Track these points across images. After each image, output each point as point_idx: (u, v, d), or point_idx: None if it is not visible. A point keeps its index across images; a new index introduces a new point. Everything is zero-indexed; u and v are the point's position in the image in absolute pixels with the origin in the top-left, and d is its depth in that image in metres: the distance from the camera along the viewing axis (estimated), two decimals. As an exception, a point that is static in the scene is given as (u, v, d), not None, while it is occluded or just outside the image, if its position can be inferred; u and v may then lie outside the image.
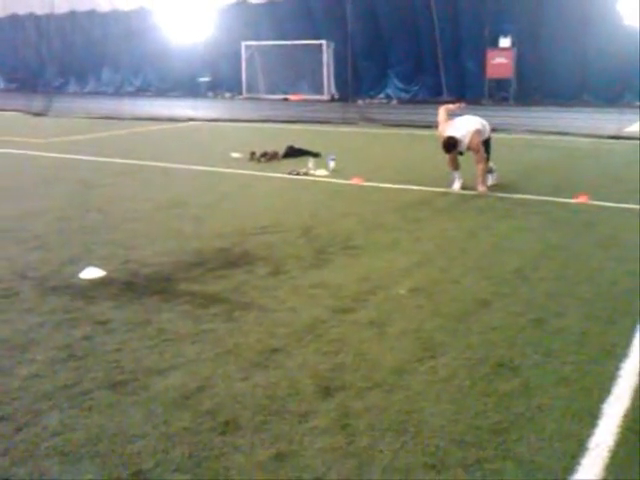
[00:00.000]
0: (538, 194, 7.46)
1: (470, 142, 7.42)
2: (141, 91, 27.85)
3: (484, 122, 7.81)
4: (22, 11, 29.53)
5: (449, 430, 2.75)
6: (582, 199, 7.02)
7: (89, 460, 2.54)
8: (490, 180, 7.91)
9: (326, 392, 3.05)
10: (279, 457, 2.56)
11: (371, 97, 22.70)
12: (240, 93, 25.22)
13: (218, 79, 26.03)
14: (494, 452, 2.60)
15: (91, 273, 4.68)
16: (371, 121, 15.71)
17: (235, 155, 10.30)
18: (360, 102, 21.34)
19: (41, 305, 4.15)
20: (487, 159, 7.68)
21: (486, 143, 7.69)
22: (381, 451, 2.60)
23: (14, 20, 30.12)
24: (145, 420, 2.83)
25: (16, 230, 6.03)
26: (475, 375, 3.22)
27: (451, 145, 7.39)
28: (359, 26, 21.79)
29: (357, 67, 22.21)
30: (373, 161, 10.17)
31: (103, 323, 3.85)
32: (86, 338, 3.65)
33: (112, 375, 3.22)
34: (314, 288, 4.49)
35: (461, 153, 7.70)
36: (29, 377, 3.19)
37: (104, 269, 4.78)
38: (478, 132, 7.49)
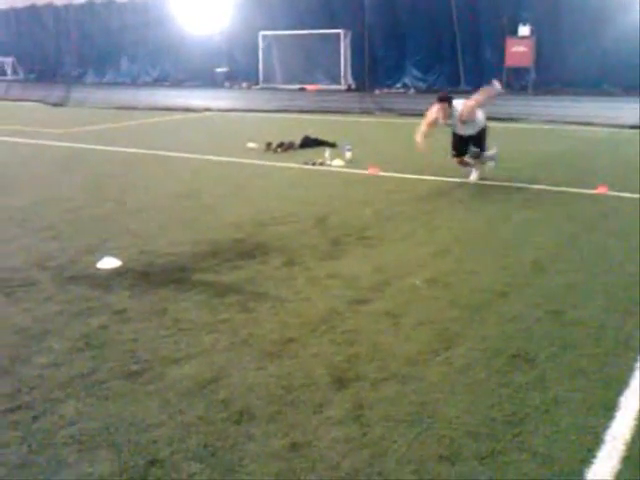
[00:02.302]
0: (557, 185, 7.38)
1: (462, 109, 7.26)
2: (158, 81, 27.96)
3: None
4: (41, 2, 29.70)
5: (464, 421, 2.73)
6: (602, 190, 6.93)
7: (105, 449, 2.56)
8: (492, 165, 7.77)
9: (341, 383, 3.05)
10: (293, 447, 2.56)
11: (388, 87, 22.58)
12: (257, 83, 25.21)
13: (235, 69, 26.05)
14: (509, 444, 2.58)
15: (108, 263, 4.71)
16: (388, 111, 15.61)
17: (251, 145, 10.30)
18: (377, 92, 21.24)
19: (58, 294, 4.18)
20: (482, 150, 7.52)
21: (482, 134, 7.51)
22: (395, 442, 2.59)
23: (33, 11, 30.33)
24: (161, 409, 2.84)
25: (33, 220, 6.09)
26: (491, 366, 3.20)
27: (446, 98, 7.30)
28: (377, 15, 21.67)
29: (374, 56, 22.11)
30: (390, 151, 10.12)
31: (119, 312, 3.88)
32: (103, 327, 3.68)
33: (128, 364, 3.24)
34: (329, 279, 4.48)
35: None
36: (47, 366, 3.22)
37: (120, 259, 4.81)
38: (469, 102, 7.38)
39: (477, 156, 7.57)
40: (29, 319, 3.79)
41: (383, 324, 3.72)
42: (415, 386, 3.02)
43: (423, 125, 7.45)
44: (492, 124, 13.33)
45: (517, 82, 20.69)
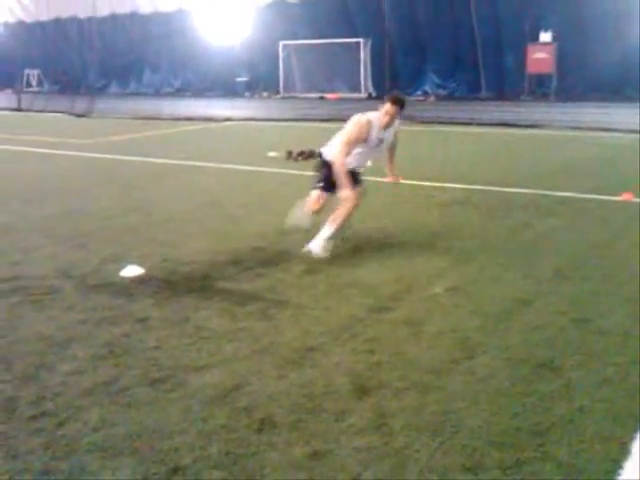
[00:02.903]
0: (581, 191, 7.30)
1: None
2: (180, 91, 28.26)
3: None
4: (65, 14, 30.23)
5: (487, 431, 2.70)
6: (627, 197, 6.84)
7: (128, 456, 2.58)
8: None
9: (362, 391, 3.03)
10: (315, 456, 2.55)
11: (408, 94, 22.54)
12: (277, 92, 25.36)
13: (255, 79, 26.25)
14: (533, 454, 2.55)
15: (131, 271, 4.76)
16: (408, 118, 15.59)
17: (272, 154, 10.35)
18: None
19: (83, 302, 4.23)
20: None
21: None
22: (417, 451, 2.57)
23: (58, 23, 30.88)
24: (183, 417, 2.85)
25: (60, 229, 6.17)
26: (514, 376, 3.16)
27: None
28: (396, 23, 21.71)
29: (394, 64, 22.14)
30: (410, 158, 10.08)
31: (142, 320, 3.91)
32: (125, 335, 3.71)
33: (151, 372, 3.26)
34: (350, 287, 4.48)
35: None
36: (70, 373, 3.25)
37: (143, 267, 4.85)
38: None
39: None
40: (53, 327, 3.84)
41: (404, 332, 3.70)
42: (437, 395, 2.99)
43: None
44: (513, 131, 13.36)
45: (539, 89, 20.56)
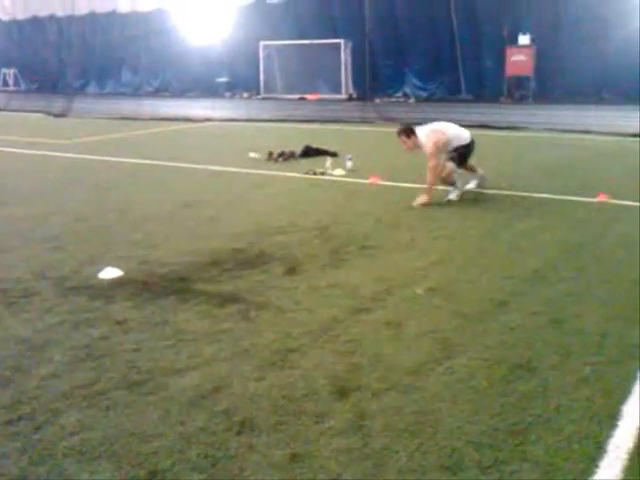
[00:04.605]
0: (558, 193, 7.38)
1: (426, 142, 6.93)
2: (160, 92, 28.05)
3: (458, 130, 7.33)
4: (43, 13, 29.85)
5: (466, 431, 2.72)
6: (602, 198, 6.93)
7: (106, 459, 2.55)
8: (472, 185, 7.60)
9: (342, 393, 3.04)
10: (294, 458, 2.55)
11: (389, 96, 22.64)
12: (258, 93, 25.29)
13: (236, 79, 26.13)
14: (511, 454, 2.57)
15: (109, 273, 4.72)
16: (389, 120, 15.65)
17: (252, 155, 10.32)
18: (377, 101, 21.30)
19: (60, 305, 4.18)
20: (456, 167, 7.18)
21: (462, 154, 7.19)
22: (397, 452, 2.58)
23: (35, 22, 30.48)
24: (161, 420, 2.84)
25: (36, 230, 6.09)
26: (493, 376, 3.19)
27: (408, 130, 7.03)
28: (377, 25, 21.75)
29: (375, 66, 22.18)
30: (391, 160, 10.12)
31: (121, 323, 3.88)
32: (104, 338, 3.67)
33: (129, 375, 3.24)
34: (330, 288, 4.48)
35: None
36: (47, 377, 3.22)
37: (122, 269, 4.81)
38: (436, 133, 7.02)
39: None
40: (30, 330, 3.79)
41: (384, 333, 3.71)
42: (417, 396, 3.01)
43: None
44: (492, 133, 13.46)
45: (517, 91, 20.75)
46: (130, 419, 2.84)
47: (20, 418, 2.85)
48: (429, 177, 6.97)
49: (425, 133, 6.98)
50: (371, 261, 5.10)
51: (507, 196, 7.34)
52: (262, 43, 24.64)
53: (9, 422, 2.82)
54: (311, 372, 3.25)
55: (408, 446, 2.62)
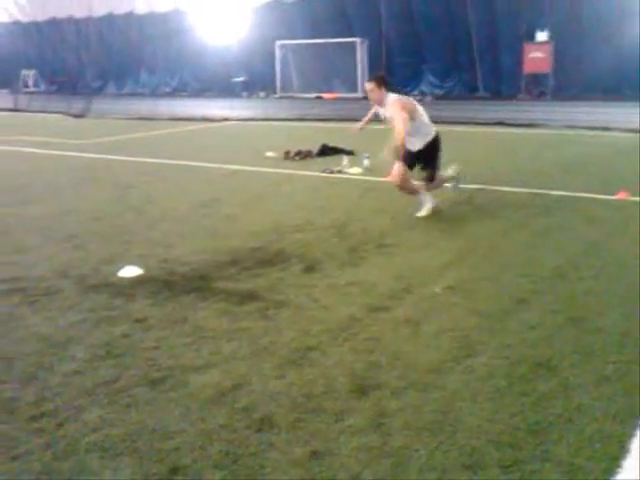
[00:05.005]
0: (577, 190, 7.32)
1: (390, 113, 6.15)
2: (177, 92, 28.21)
3: (426, 118, 6.42)
4: (62, 14, 30.12)
5: (486, 430, 2.71)
6: (622, 195, 6.86)
7: (128, 456, 2.58)
8: (450, 187, 6.91)
9: (361, 391, 3.04)
10: (314, 455, 2.56)
11: (405, 94, 22.54)
12: (274, 92, 25.34)
13: (252, 79, 26.21)
14: (532, 453, 2.56)
15: (129, 271, 4.76)
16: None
17: (269, 154, 10.35)
18: (394, 99, 21.21)
19: (81, 303, 4.23)
20: (433, 172, 6.44)
21: (432, 150, 6.38)
22: (417, 450, 2.58)
23: (54, 24, 30.77)
24: (182, 417, 2.86)
25: (57, 229, 6.17)
26: (513, 375, 3.17)
27: (380, 79, 6.29)
28: (393, 23, 21.72)
29: (391, 64, 22.15)
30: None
31: (141, 321, 3.92)
32: (125, 336, 3.71)
33: (150, 372, 3.27)
34: (349, 286, 4.49)
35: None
36: (70, 374, 3.26)
37: (141, 267, 4.85)
38: (403, 99, 6.28)
39: (429, 180, 6.44)
40: (52, 327, 3.84)
41: (403, 332, 3.71)
42: (436, 394, 3.00)
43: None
44: (510, 130, 13.38)
45: (536, 88, 20.58)
46: (151, 416, 2.87)
47: (44, 414, 2.89)
48: (395, 144, 6.02)
49: (394, 97, 6.23)
50: (389, 259, 5.09)
51: (525, 193, 7.29)
52: (278, 42, 24.69)
53: (33, 418, 2.86)
54: (330, 370, 3.25)
55: (428, 444, 2.62)
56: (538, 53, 20.01)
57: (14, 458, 2.60)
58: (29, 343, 3.63)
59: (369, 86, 6.24)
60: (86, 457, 2.59)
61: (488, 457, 2.54)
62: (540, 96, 20.19)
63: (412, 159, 6.31)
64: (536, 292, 4.30)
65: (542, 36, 19.96)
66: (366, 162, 9.02)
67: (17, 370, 3.30)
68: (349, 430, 2.72)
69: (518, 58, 20.32)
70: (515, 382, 3.10)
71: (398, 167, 6.25)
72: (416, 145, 6.31)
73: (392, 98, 6.19)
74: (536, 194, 7.25)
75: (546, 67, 20.04)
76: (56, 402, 2.99)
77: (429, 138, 6.35)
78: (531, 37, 20.05)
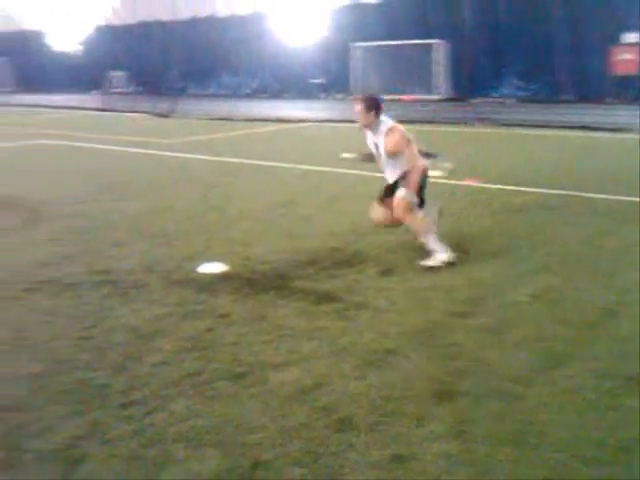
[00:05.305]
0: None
1: (387, 139, 5.14)
2: (258, 93, 28.72)
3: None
4: (150, 18, 31.24)
5: (572, 444, 2.63)
6: None
7: (212, 447, 2.65)
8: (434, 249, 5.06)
9: (442, 397, 3.01)
10: (394, 459, 2.55)
11: (486, 96, 22.12)
12: (351, 94, 25.38)
13: (330, 80, 26.36)
14: (621, 470, 2.46)
15: (213, 268, 4.89)
16: (486, 121, 15.30)
17: (345, 155, 10.37)
18: (475, 101, 20.85)
19: (167, 297, 4.38)
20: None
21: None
22: (500, 461, 2.53)
23: (142, 26, 31.97)
24: (263, 413, 2.91)
25: (146, 225, 6.40)
26: (601, 388, 3.06)
27: (371, 102, 5.20)
28: (475, 24, 21.33)
29: (472, 66, 21.75)
30: (488, 162, 9.91)
31: (224, 316, 4.02)
32: (209, 330, 3.82)
33: (232, 367, 3.35)
34: (427, 290, 4.44)
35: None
36: (157, 364, 3.38)
37: (225, 264, 4.96)
38: (399, 127, 5.24)
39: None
40: (140, 319, 3.99)
41: (485, 339, 3.64)
42: (520, 405, 2.93)
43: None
44: (596, 134, 12.88)
45: (625, 91, 19.72)
46: (234, 410, 2.94)
47: (132, 402, 3.01)
48: (412, 180, 5.06)
49: (390, 123, 5.24)
50: (468, 265, 5.00)
51: (612, 200, 6.99)
52: (356, 44, 24.72)
53: (123, 405, 2.99)
54: (410, 374, 3.24)
55: (511, 456, 2.56)
56: (627, 55, 19.18)
57: (104, 442, 2.72)
58: (119, 333, 3.79)
59: (357, 107, 5.21)
60: (172, 446, 2.67)
61: (573, 472, 2.46)
62: (629, 99, 19.34)
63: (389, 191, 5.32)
64: (623, 304, 4.12)
65: (631, 37, 19.12)
66: (447, 165, 8.89)
67: (108, 359, 3.46)
68: (430, 436, 2.70)
69: (605, 60, 19.54)
70: (603, 396, 2.99)
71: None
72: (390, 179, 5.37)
73: (386, 125, 5.18)
74: (621, 201, 6.94)
75: (635, 69, 19.18)
76: (144, 391, 3.11)
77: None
78: (619, 38, 19.24)
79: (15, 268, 5.05)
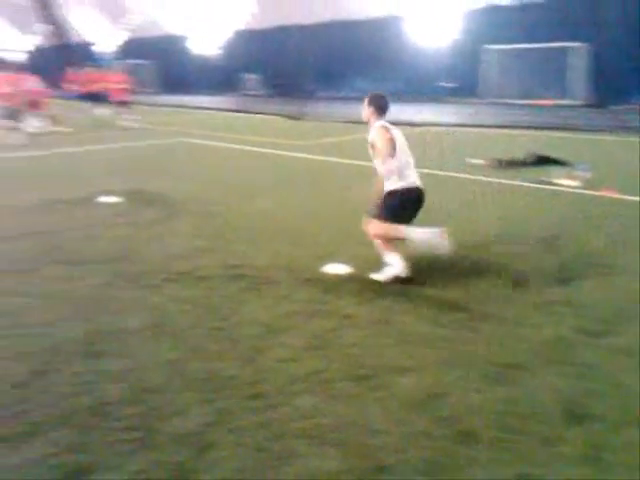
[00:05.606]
0: None
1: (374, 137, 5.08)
2: (390, 96, 28.74)
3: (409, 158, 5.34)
4: (288, 22, 32.18)
5: None
6: None
7: (334, 447, 2.68)
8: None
9: (573, 419, 2.86)
10: (521, 478, 2.46)
11: (627, 103, 20.73)
12: (483, 97, 24.74)
13: (460, 83, 25.88)
14: None
15: (338, 269, 4.95)
16: (628, 129, 14.33)
17: (473, 161, 10.13)
18: (616, 108, 19.62)
19: (296, 294, 4.49)
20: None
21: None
22: (637, 493, 2.37)
23: (277, 30, 33.03)
24: (385, 417, 2.91)
25: (278, 225, 6.53)
26: None
27: (375, 100, 5.27)
28: (617, 28, 20.08)
29: (614, 71, 20.50)
30: (629, 172, 9.28)
31: (348, 317, 4.06)
32: (332, 330, 3.87)
33: (354, 368, 3.37)
34: (558, 305, 4.24)
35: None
36: (284, 360, 3.47)
37: (351, 267, 5.00)
38: (387, 127, 5.14)
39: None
40: (269, 315, 4.12)
41: (623, 361, 3.42)
42: (662, 435, 2.73)
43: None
44: None
45: None
46: (357, 411, 2.96)
47: (259, 395, 3.11)
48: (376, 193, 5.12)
49: (382, 123, 5.14)
50: (605, 281, 4.72)
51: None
52: (488, 47, 24.08)
53: (250, 397, 3.10)
54: (537, 392, 3.11)
55: (650, 489, 2.39)
56: None
57: (230, 431, 2.82)
58: (250, 326, 3.94)
59: (366, 107, 5.25)
60: (294, 442, 2.73)
61: None
62: None
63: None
64: None
65: None
66: (584, 174, 8.45)
67: (238, 351, 3.60)
68: (561, 458, 2.57)
69: None
70: None
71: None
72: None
73: (378, 124, 5.12)
74: None
75: None
76: (270, 385, 3.20)
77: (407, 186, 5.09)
78: None
79: (154, 259, 5.39)
